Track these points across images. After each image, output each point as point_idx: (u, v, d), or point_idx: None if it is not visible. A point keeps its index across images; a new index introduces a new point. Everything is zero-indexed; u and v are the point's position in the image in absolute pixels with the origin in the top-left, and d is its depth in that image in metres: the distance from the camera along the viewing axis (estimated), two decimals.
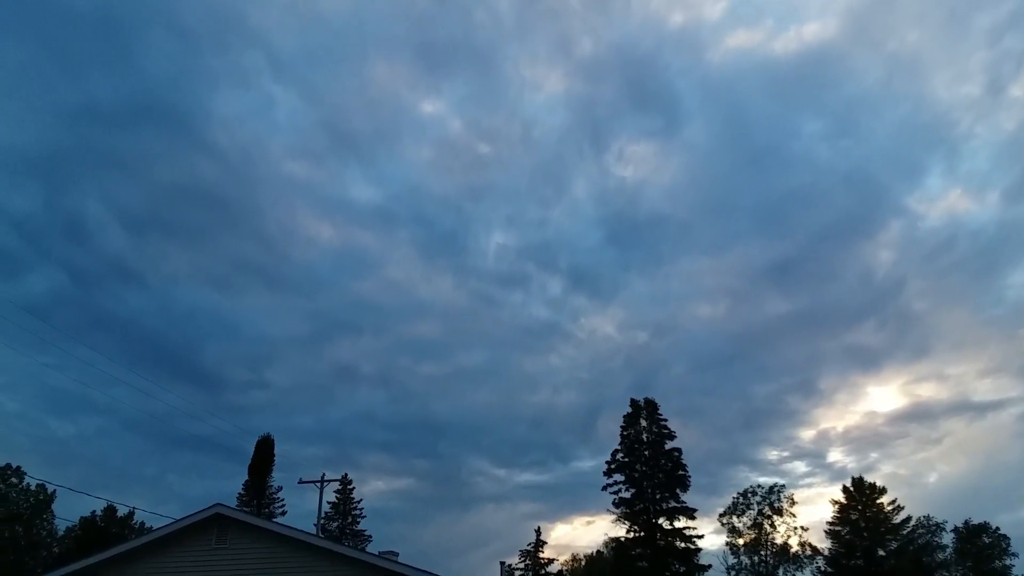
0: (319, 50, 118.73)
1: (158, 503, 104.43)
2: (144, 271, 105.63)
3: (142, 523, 52.73)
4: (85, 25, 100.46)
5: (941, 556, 59.61)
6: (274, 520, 39.16)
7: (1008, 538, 58.60)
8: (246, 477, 52.37)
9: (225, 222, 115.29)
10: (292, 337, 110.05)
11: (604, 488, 50.59)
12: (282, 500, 53.88)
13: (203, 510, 15.84)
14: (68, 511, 77.99)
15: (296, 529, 16.30)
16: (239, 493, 52.04)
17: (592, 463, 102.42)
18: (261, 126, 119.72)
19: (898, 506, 57.65)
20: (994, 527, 59.42)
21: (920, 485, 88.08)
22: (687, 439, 79.21)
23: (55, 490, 51.04)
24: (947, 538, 60.45)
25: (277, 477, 53.80)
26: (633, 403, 52.48)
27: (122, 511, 52.87)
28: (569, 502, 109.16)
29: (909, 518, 57.86)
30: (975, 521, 60.03)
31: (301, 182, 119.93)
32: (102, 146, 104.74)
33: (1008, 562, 57.39)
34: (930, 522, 60.86)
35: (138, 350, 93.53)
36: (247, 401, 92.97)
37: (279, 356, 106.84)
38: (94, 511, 52.28)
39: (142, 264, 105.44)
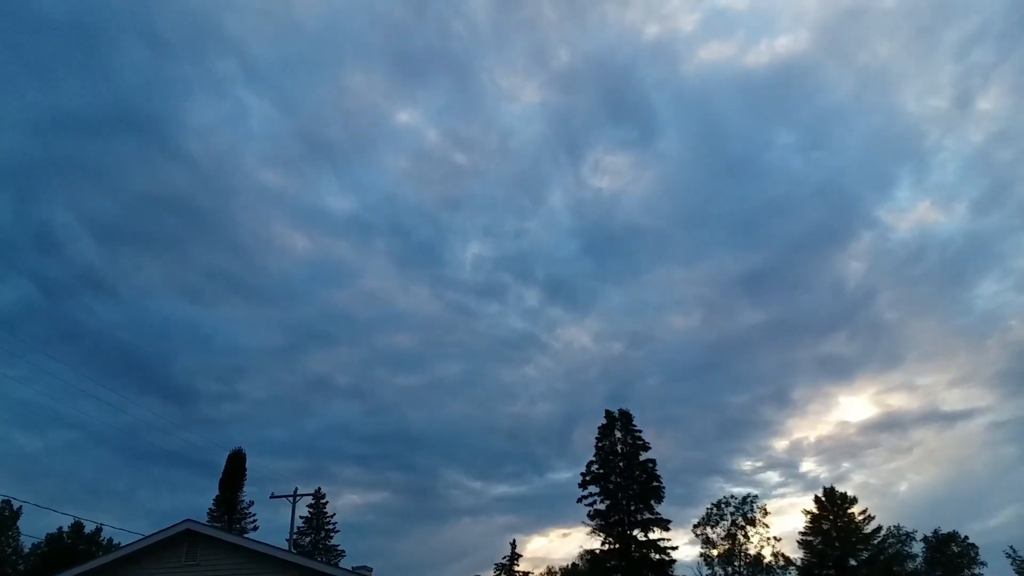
0: (294, 58, 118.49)
1: (127, 519, 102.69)
2: (115, 282, 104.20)
3: (110, 539, 51.80)
4: (57, 32, 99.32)
5: (911, 565, 60.35)
6: (245, 535, 38.70)
7: (977, 547, 59.50)
8: (217, 492, 51.65)
9: (198, 232, 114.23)
10: (266, 348, 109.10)
11: (579, 500, 50.58)
12: (254, 515, 53.20)
13: (173, 526, 15.66)
14: (34, 528, 76.32)
15: (268, 544, 16.17)
16: (210, 508, 51.31)
17: (568, 474, 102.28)
18: (235, 134, 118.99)
19: (869, 515, 58.33)
20: (963, 536, 60.34)
21: (891, 494, 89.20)
22: (662, 450, 79.62)
23: (21, 506, 50.02)
24: (917, 547, 61.29)
25: (249, 491, 53.15)
26: (608, 414, 52.58)
27: (89, 527, 51.91)
28: (545, 514, 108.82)
29: (880, 527, 58.52)
30: (944, 530, 60.94)
31: (276, 191, 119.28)
32: (73, 155, 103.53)
33: (977, 571, 58.25)
34: (900, 531, 61.68)
35: (108, 363, 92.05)
36: (219, 414, 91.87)
37: (253, 368, 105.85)
38: (61, 527, 51.28)
39: (113, 275, 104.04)
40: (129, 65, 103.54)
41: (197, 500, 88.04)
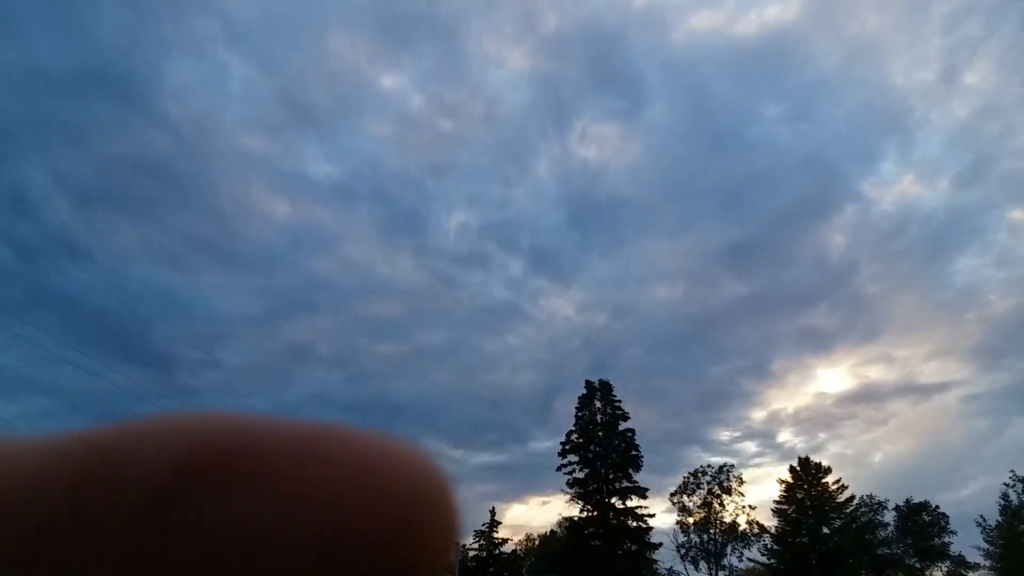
0: (277, 19, 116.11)
1: None
2: (92, 246, 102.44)
3: None
4: None
5: (883, 534, 61.37)
6: None
7: (947, 516, 60.51)
8: None
9: (177, 196, 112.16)
10: (246, 316, 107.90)
11: (559, 468, 51.01)
12: None
13: None
14: None
15: None
16: None
17: (549, 443, 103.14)
18: (215, 97, 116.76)
19: (842, 485, 59.20)
20: (934, 506, 61.34)
21: (865, 465, 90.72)
22: (643, 420, 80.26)
23: None
24: (889, 516, 62.28)
25: None
26: (588, 384, 52.86)
27: None
28: (525, 482, 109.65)
29: (853, 497, 59.42)
30: (916, 500, 61.99)
31: (257, 156, 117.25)
32: (48, 114, 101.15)
33: (947, 539, 59.35)
34: (873, 501, 62.63)
35: (85, 328, 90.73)
36: (199, 382, 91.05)
37: (233, 335, 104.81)
38: None
39: (90, 239, 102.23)
40: (106, 22, 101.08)
41: None
